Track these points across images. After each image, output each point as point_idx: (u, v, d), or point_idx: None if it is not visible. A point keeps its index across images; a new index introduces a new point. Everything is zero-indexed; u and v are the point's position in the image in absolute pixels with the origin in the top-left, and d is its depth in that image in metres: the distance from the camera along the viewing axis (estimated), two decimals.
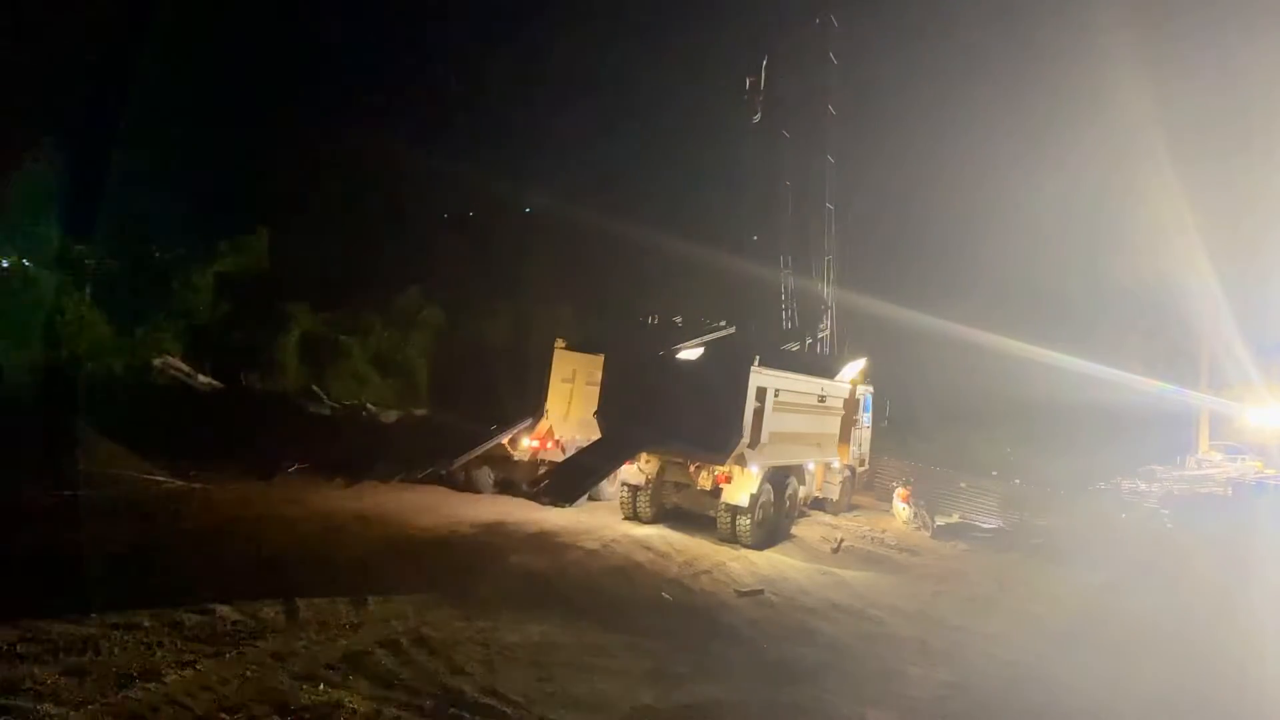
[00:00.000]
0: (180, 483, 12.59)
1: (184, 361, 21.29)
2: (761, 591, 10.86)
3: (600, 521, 13.85)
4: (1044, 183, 24.65)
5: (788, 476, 14.62)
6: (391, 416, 20.91)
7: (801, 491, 15.63)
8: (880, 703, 7.43)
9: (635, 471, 13.94)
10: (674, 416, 12.98)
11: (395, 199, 31.34)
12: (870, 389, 18.21)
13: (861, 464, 18.39)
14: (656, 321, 15.17)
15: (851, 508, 18.37)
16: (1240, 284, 22.33)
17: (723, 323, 15.66)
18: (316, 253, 27.47)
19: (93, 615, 6.74)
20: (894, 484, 18.60)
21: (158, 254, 24.24)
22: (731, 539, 13.24)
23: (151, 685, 5.78)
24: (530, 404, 14.54)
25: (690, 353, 14.07)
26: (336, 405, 20.66)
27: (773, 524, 13.99)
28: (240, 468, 13.80)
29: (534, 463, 14.78)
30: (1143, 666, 9.19)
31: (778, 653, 8.63)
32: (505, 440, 14.50)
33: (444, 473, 14.33)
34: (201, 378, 21.22)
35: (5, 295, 18.74)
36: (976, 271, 24.97)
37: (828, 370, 16.52)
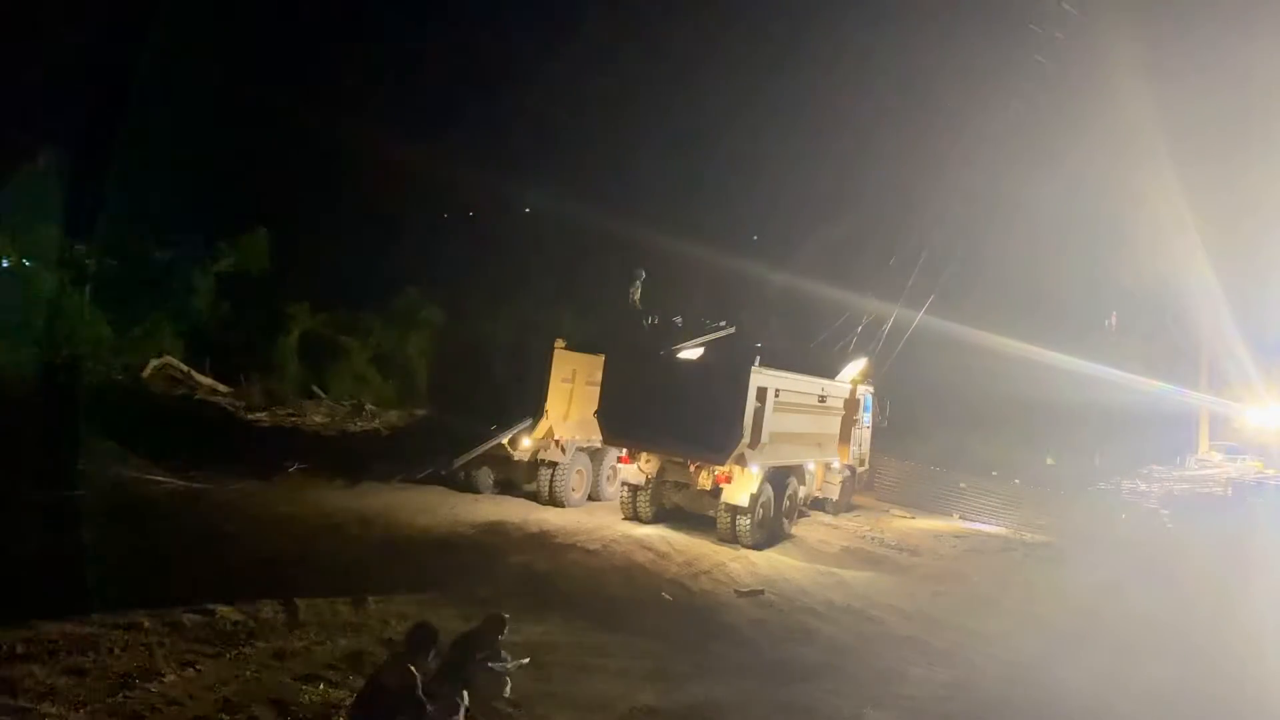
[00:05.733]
0: (180, 483, 12.58)
1: (184, 362, 21.31)
2: (761, 591, 10.86)
3: (600, 521, 13.85)
4: (1044, 182, 24.62)
5: (788, 476, 14.61)
6: (391, 417, 20.94)
7: (801, 491, 15.62)
8: (881, 703, 7.43)
9: (635, 471, 13.93)
10: (674, 416, 12.97)
11: (395, 199, 31.38)
12: (870, 389, 18.20)
13: (861, 464, 18.38)
14: (656, 321, 15.15)
15: (851, 508, 18.36)
16: (1240, 284, 22.30)
17: (723, 323, 15.64)
18: (316, 253, 27.52)
19: (93, 615, 6.74)
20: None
21: (158, 254, 24.27)
22: (731, 539, 13.22)
23: (151, 685, 5.78)
24: (530, 404, 14.52)
25: (690, 353, 14.06)
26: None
27: (773, 524, 13.98)
28: (240, 468, 13.79)
29: (534, 463, 14.78)
30: (1143, 665, 9.18)
31: (778, 653, 8.63)
32: (505, 440, 14.48)
33: (444, 473, 14.31)
34: (201, 378, 21.23)
35: (5, 295, 18.74)
36: (976, 271, 24.96)
37: (828, 370, 16.50)
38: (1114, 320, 24.41)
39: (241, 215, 25.62)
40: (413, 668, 5.10)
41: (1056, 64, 18.21)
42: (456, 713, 5.54)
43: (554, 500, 14.65)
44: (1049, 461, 23.23)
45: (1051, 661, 9.17)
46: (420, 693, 5.04)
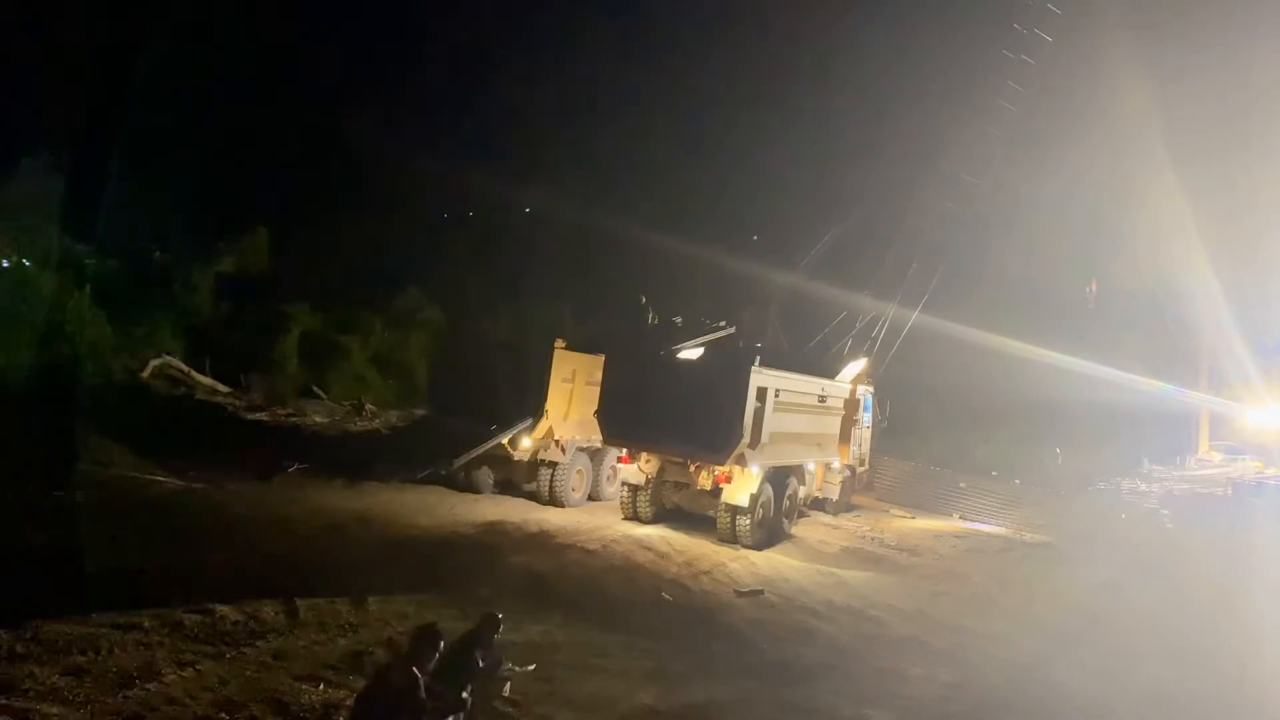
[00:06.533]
0: (180, 483, 12.58)
1: (184, 361, 21.30)
2: (761, 592, 10.86)
3: (600, 521, 13.86)
4: (1044, 182, 24.65)
5: (788, 476, 14.61)
6: (391, 417, 20.94)
7: (801, 491, 15.62)
8: (880, 703, 7.43)
9: (635, 471, 13.94)
10: (674, 416, 12.97)
11: (395, 199, 31.37)
12: (870, 389, 18.20)
13: (861, 464, 18.38)
14: (656, 321, 15.16)
15: (851, 508, 18.37)
16: (1240, 284, 22.33)
17: (723, 323, 15.64)
18: (316, 253, 27.50)
19: (93, 615, 6.74)
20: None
21: (158, 254, 24.27)
22: (731, 539, 13.23)
23: (151, 685, 5.78)
24: (530, 404, 14.53)
25: (690, 353, 14.06)
26: (327, 421, 20.42)
27: (773, 524, 13.99)
28: (240, 468, 13.79)
29: (534, 463, 14.79)
30: (1143, 665, 9.18)
31: (778, 653, 8.63)
32: (505, 440, 14.49)
33: (444, 473, 14.33)
34: (201, 378, 21.20)
35: (5, 295, 18.72)
36: (976, 271, 24.97)
37: (828, 370, 16.52)
38: (1094, 288, 24.14)
39: (241, 215, 25.62)
40: (415, 670, 5.09)
41: (1042, 63, 18.22)
42: (456, 713, 5.54)
43: (554, 500, 14.66)
44: (1057, 453, 22.98)
45: (1051, 661, 9.18)
46: (422, 693, 5.04)
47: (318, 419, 20.25)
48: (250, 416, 19.38)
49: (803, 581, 11.77)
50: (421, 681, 5.05)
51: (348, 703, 5.71)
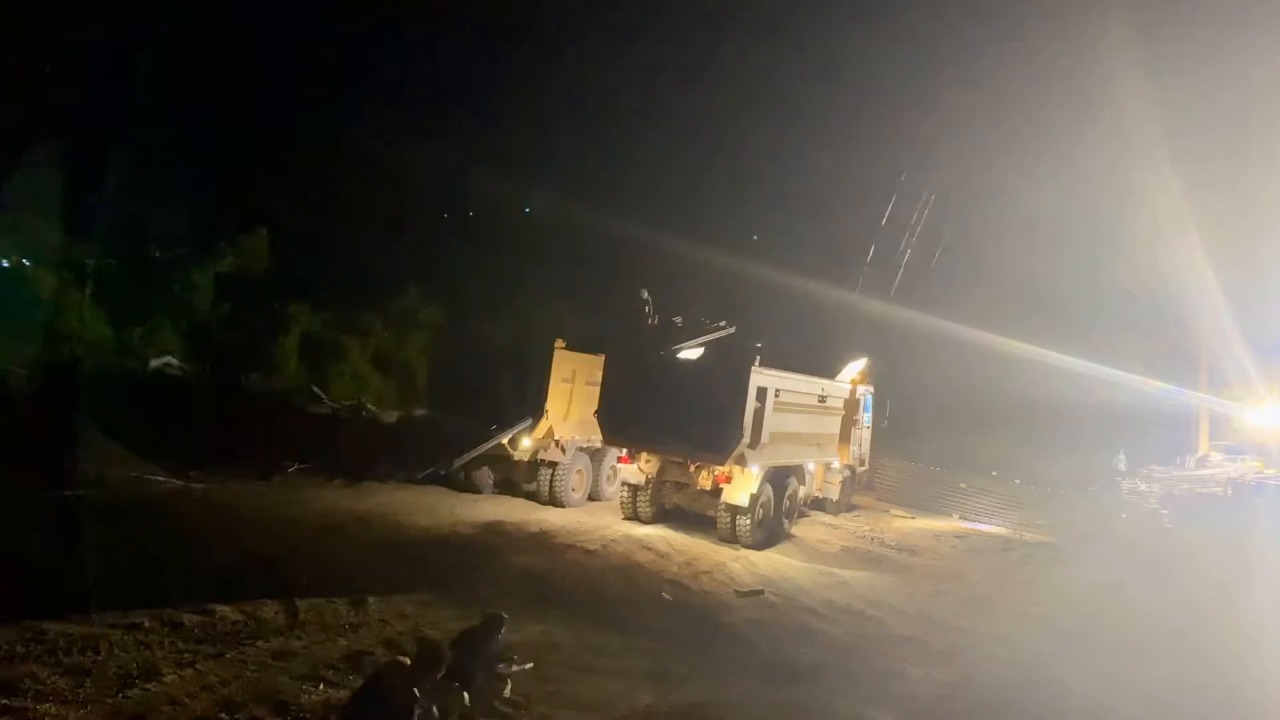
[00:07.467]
0: (180, 483, 12.58)
1: (184, 362, 21.30)
2: (761, 592, 10.87)
3: (600, 521, 13.86)
4: (1044, 182, 24.65)
5: (788, 476, 14.62)
6: (392, 416, 20.93)
7: (801, 491, 15.63)
8: (880, 703, 7.43)
9: (635, 471, 13.94)
10: (674, 416, 12.98)
11: (395, 199, 31.35)
12: (870, 389, 18.21)
13: (861, 464, 18.39)
14: (656, 321, 15.16)
15: (851, 508, 18.37)
16: (1240, 284, 22.33)
17: (723, 323, 15.64)
18: (316, 253, 27.48)
19: (93, 615, 6.74)
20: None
21: (158, 254, 24.24)
22: (731, 539, 13.23)
23: (151, 685, 5.79)
24: (530, 404, 14.53)
25: (690, 353, 14.07)
26: (337, 405, 20.66)
27: (773, 524, 13.99)
28: (240, 468, 13.79)
29: (534, 463, 14.79)
30: (1144, 665, 9.19)
31: (778, 653, 8.63)
32: (505, 440, 14.50)
33: (444, 473, 14.32)
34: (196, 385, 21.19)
35: (5, 295, 18.72)
36: (976, 271, 24.97)
37: (828, 370, 16.52)
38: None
39: (241, 215, 25.60)
40: (416, 689, 5.06)
41: (1046, 61, 18.25)
42: (453, 713, 5.54)
43: (554, 500, 14.67)
44: (1120, 458, 22.32)
45: (1051, 661, 9.18)
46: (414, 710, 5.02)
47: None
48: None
49: (803, 581, 11.77)
50: (416, 701, 5.02)
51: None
